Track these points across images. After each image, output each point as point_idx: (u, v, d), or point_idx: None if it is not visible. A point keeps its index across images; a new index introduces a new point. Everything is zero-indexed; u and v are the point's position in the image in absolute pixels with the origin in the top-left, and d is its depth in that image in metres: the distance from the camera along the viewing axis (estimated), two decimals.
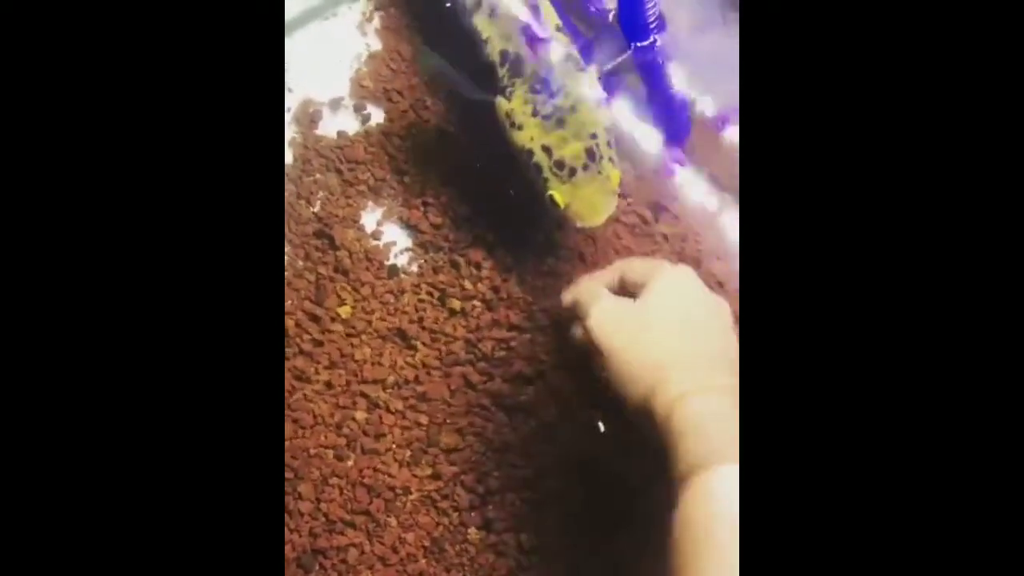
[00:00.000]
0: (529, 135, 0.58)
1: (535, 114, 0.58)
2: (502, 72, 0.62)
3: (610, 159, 0.58)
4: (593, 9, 0.77)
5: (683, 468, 0.45)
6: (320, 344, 0.64)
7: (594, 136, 0.58)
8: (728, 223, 0.68)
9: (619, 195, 0.60)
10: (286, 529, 0.59)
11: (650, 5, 0.72)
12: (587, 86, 0.59)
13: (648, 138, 0.72)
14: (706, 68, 0.73)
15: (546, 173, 0.58)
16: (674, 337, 0.50)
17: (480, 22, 0.64)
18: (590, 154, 0.57)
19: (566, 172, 0.57)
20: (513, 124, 0.59)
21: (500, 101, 0.61)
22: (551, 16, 0.64)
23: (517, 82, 0.60)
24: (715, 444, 0.45)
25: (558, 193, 0.58)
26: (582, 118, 0.58)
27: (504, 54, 0.62)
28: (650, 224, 0.68)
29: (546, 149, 0.58)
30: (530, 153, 0.58)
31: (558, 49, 0.61)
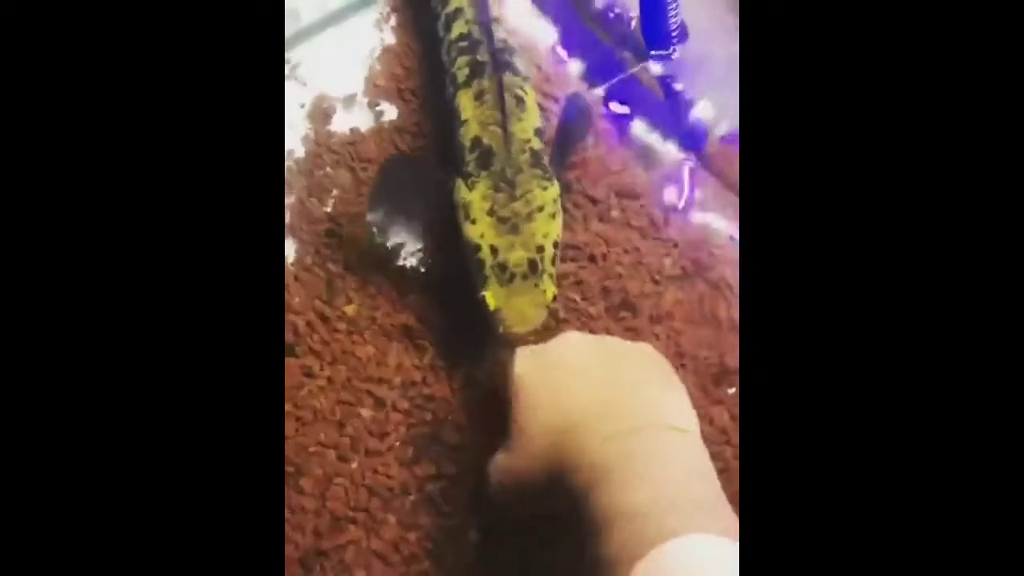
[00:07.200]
0: (480, 231, 0.58)
1: (491, 213, 0.58)
2: (469, 158, 0.61)
3: (550, 275, 0.58)
4: (612, 15, 0.77)
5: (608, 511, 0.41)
6: (328, 343, 0.64)
7: (540, 250, 0.58)
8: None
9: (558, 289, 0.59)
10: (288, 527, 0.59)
11: (673, 13, 0.72)
12: (550, 197, 0.59)
13: (660, 141, 0.72)
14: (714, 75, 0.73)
15: (487, 271, 0.57)
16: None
17: (464, 100, 0.64)
18: (532, 266, 0.57)
19: (506, 276, 0.57)
20: (467, 216, 0.59)
21: (460, 186, 0.60)
22: (533, 117, 0.63)
23: (483, 175, 0.60)
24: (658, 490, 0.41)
25: (491, 295, 0.57)
26: (534, 228, 0.58)
27: (476, 142, 0.61)
28: (660, 228, 0.67)
29: (493, 249, 0.58)
30: (477, 248, 0.58)
31: (531, 151, 0.61)
